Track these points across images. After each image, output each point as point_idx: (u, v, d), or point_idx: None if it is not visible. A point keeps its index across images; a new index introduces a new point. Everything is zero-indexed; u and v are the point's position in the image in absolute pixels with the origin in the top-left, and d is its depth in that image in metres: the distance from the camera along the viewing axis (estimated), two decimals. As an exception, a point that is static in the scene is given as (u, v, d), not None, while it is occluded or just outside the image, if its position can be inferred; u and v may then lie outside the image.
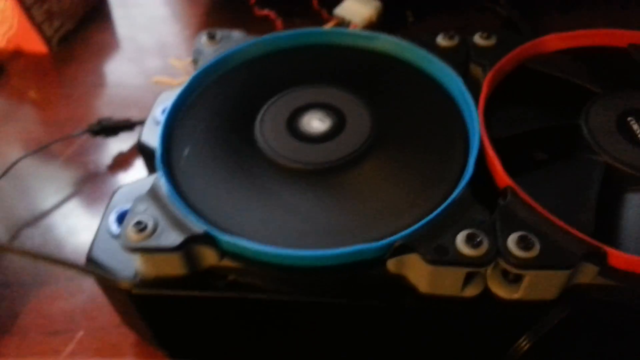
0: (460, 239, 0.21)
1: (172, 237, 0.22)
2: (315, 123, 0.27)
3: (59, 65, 0.46)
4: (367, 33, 0.31)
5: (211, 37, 0.30)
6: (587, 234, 0.21)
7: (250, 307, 0.23)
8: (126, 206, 0.25)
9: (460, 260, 0.20)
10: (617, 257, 0.20)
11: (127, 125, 0.36)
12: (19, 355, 0.29)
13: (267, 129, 0.27)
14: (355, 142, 0.25)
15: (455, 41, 0.29)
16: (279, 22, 0.44)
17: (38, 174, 0.37)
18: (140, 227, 0.22)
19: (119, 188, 0.27)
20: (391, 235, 0.21)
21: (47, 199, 0.36)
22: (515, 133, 0.25)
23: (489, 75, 0.27)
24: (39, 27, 0.45)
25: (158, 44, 0.48)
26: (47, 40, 0.46)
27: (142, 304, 0.24)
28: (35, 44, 0.46)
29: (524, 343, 0.22)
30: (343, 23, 0.42)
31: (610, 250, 0.20)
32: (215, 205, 0.24)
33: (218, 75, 0.30)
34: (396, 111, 0.27)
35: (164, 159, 0.25)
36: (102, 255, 0.24)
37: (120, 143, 0.38)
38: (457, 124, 0.26)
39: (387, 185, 0.24)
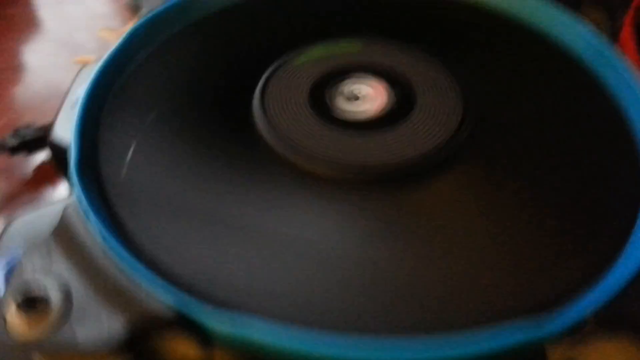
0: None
1: (104, 325, 0.11)
2: (363, 95, 0.16)
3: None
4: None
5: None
6: None
7: None
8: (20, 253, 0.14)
9: None
10: None
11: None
12: None
13: (274, 106, 0.15)
14: (440, 131, 0.15)
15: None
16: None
17: None
18: (34, 305, 0.10)
19: (11, 221, 0.15)
20: (555, 303, 0.11)
21: None
22: None
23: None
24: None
25: (87, 16, 0.36)
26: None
27: None
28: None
29: None
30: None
31: None
32: (191, 253, 0.12)
33: (182, 25, 0.18)
34: (503, 85, 0.16)
35: (80, 163, 0.13)
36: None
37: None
38: (614, 119, 0.15)
39: (520, 207, 0.14)
